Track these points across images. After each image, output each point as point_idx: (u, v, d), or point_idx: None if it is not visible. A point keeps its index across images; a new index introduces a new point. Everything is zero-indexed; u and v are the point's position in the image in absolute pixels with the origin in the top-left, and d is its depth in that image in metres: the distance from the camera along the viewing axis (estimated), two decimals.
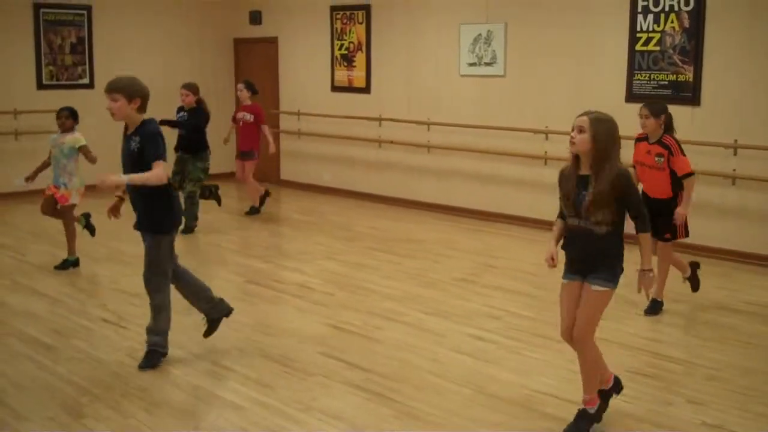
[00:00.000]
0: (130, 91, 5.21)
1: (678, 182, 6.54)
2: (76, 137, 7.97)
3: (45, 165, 8.24)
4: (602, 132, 4.28)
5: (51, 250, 8.79)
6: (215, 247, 9.28)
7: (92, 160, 8.00)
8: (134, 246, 8.83)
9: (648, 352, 5.85)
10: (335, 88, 12.59)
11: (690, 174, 6.52)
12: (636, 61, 9.09)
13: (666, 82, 8.86)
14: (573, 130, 4.34)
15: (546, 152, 9.96)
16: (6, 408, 4.84)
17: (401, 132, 11.66)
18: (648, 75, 9.00)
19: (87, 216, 8.45)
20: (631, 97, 9.11)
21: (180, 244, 9.21)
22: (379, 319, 6.61)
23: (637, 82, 9.09)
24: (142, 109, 5.28)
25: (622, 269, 4.49)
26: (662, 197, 6.58)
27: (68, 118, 7.99)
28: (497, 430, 4.62)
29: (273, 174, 13.80)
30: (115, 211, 5.85)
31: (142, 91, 5.27)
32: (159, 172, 5.17)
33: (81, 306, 6.92)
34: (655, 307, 6.74)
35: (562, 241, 4.57)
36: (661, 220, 6.51)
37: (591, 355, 4.48)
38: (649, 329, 6.39)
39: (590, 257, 4.40)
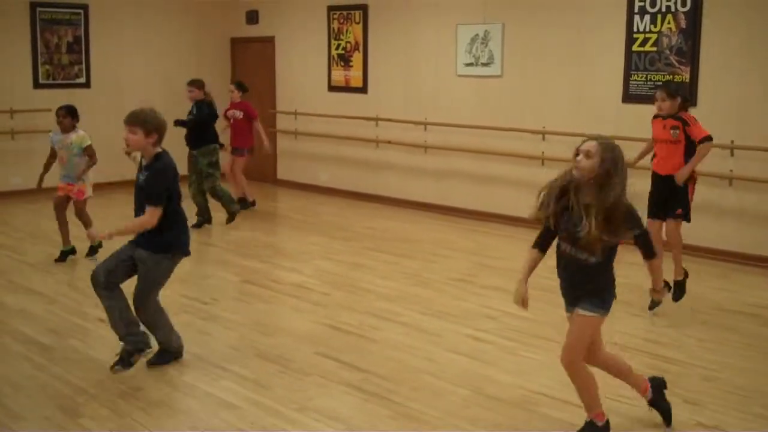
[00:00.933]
0: (149, 126, 5.25)
1: (690, 157, 6.60)
2: (82, 136, 8.06)
3: (49, 164, 8.28)
4: (610, 160, 4.07)
5: (48, 249, 8.77)
6: (212, 246, 9.28)
7: (93, 161, 8.07)
8: None
9: (645, 353, 5.85)
10: (332, 88, 12.58)
11: (708, 138, 6.55)
12: (633, 62, 9.10)
13: (662, 83, 8.85)
14: (579, 154, 4.14)
15: (543, 153, 9.96)
16: (2, 408, 4.84)
17: (398, 132, 11.66)
18: (645, 75, 9.00)
19: (98, 246, 8.41)
20: (627, 97, 9.13)
21: None
22: (376, 319, 6.60)
23: (634, 82, 9.10)
24: (157, 143, 5.32)
25: (615, 296, 4.39)
26: (674, 173, 6.65)
27: (65, 116, 8.03)
28: (494, 430, 4.62)
29: (270, 174, 13.80)
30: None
31: (161, 126, 5.33)
32: (145, 220, 5.23)
33: (77, 306, 6.91)
34: (680, 291, 6.83)
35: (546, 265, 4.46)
36: (673, 196, 6.67)
37: (581, 378, 4.37)
38: (646, 330, 6.39)
39: (580, 284, 4.29)
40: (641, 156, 7.15)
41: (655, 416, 4.75)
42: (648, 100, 8.82)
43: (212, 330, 6.26)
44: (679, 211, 6.72)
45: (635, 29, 9.04)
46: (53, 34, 12.27)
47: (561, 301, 4.50)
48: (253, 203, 11.42)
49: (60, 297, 7.15)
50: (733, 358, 5.80)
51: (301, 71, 13.07)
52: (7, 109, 11.86)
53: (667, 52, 8.81)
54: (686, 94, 6.82)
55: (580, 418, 4.70)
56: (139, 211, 5.39)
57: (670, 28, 8.76)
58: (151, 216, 5.23)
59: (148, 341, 5.53)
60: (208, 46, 13.95)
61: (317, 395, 5.07)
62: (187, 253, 5.50)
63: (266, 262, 8.52)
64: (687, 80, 8.68)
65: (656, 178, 6.85)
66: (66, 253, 8.36)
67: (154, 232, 5.29)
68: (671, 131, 6.64)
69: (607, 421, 4.48)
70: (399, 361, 5.67)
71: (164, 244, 5.34)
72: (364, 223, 10.61)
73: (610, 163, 4.07)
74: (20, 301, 7.01)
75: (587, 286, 4.27)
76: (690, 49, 8.63)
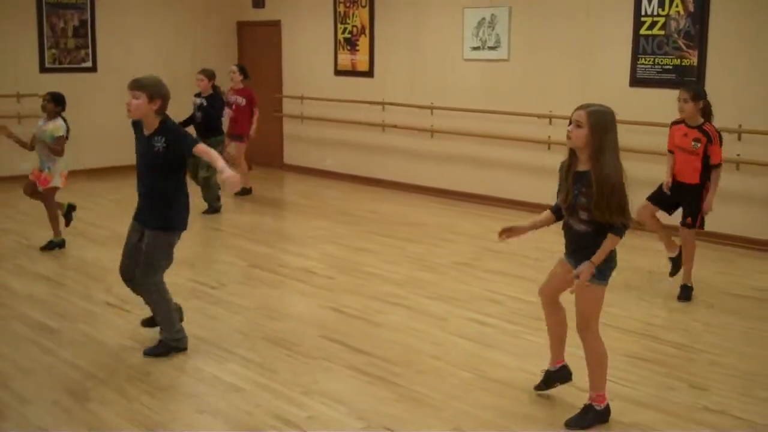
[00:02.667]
0: (153, 91, 5.19)
1: (707, 171, 6.59)
2: (57, 126, 7.97)
3: (22, 144, 8.19)
4: (600, 126, 4.16)
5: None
6: (218, 231, 9.29)
7: (57, 153, 7.97)
8: None
9: (650, 337, 5.86)
10: (338, 72, 12.56)
11: (720, 164, 6.60)
12: (640, 46, 9.06)
13: (670, 67, 8.82)
14: (570, 124, 4.25)
15: (549, 137, 9.94)
16: (10, 392, 4.87)
17: (404, 116, 11.64)
18: (652, 59, 8.97)
19: (71, 207, 8.48)
20: (635, 81, 9.09)
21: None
22: (381, 303, 6.62)
23: (641, 66, 9.06)
24: (160, 111, 5.26)
25: (615, 264, 4.42)
26: (691, 182, 6.66)
27: (49, 102, 8.01)
28: (498, 413, 4.64)
29: (276, 158, 13.80)
30: None
31: (165, 93, 5.27)
32: (201, 147, 5.21)
33: (85, 290, 6.94)
34: (686, 293, 6.76)
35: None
36: (687, 204, 6.70)
37: (593, 349, 4.44)
38: (651, 314, 6.39)
39: (581, 252, 4.35)
40: (671, 173, 6.84)
41: (652, 397, 4.77)
42: (655, 84, 8.84)
43: (219, 314, 6.28)
44: (689, 220, 6.70)
45: (643, 12, 8.99)
46: (59, 18, 12.26)
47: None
48: (250, 191, 11.35)
49: (67, 281, 7.18)
50: (738, 342, 5.81)
51: (307, 55, 13.04)
52: (13, 93, 11.86)
53: (675, 35, 8.77)
54: (709, 107, 6.66)
55: (583, 401, 4.72)
56: (141, 176, 5.35)
57: (678, 12, 8.72)
58: (200, 149, 5.19)
59: (183, 342, 5.51)
60: (214, 30, 13.93)
61: (323, 378, 5.09)
62: (184, 228, 5.46)
63: (273, 246, 8.53)
64: (695, 64, 8.64)
65: (675, 182, 6.79)
66: (54, 244, 8.25)
67: (159, 208, 5.29)
68: (692, 142, 6.57)
69: (607, 406, 4.50)
70: (403, 344, 5.69)
71: (165, 222, 5.33)
72: (370, 207, 10.62)
73: (601, 129, 4.15)
74: (28, 285, 7.04)
75: (586, 253, 4.30)
76: (698, 33, 8.59)
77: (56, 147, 7.96)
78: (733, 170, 8.50)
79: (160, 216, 5.32)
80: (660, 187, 6.89)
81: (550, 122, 9.95)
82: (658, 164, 8.77)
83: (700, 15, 8.55)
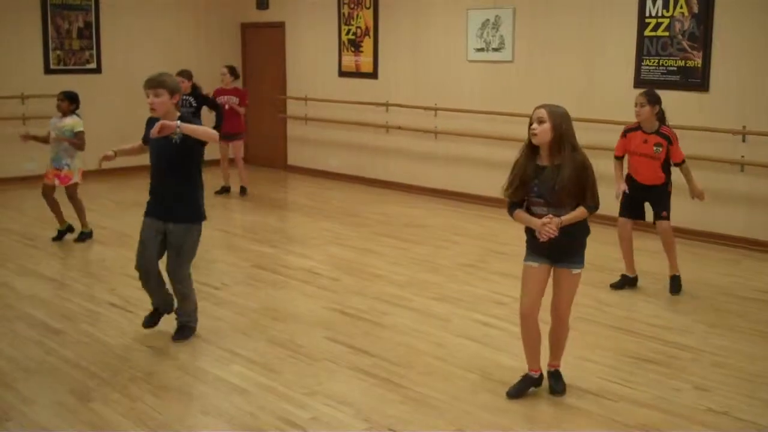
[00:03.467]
0: (173, 86, 5.37)
1: (667, 167, 6.80)
2: (76, 121, 8.19)
3: (40, 139, 8.46)
4: (560, 120, 4.52)
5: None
6: (221, 232, 9.29)
7: (79, 147, 8.22)
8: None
9: (655, 339, 5.84)
10: (342, 74, 12.56)
11: (684, 161, 6.83)
12: (645, 47, 9.05)
13: (675, 68, 8.81)
14: (532, 123, 4.57)
15: None
16: (14, 392, 4.87)
17: (408, 117, 11.64)
18: (657, 61, 8.96)
19: (70, 228, 8.65)
20: (639, 83, 9.07)
21: None
22: (386, 304, 6.61)
23: (646, 67, 9.05)
24: (177, 105, 5.44)
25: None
26: (656, 183, 6.83)
27: (63, 100, 8.21)
28: (502, 415, 4.63)
29: (280, 159, 13.81)
30: (108, 158, 5.93)
31: (179, 88, 5.49)
32: (214, 134, 5.32)
33: (88, 290, 6.94)
34: (676, 283, 6.91)
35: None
36: (653, 202, 6.89)
37: (565, 330, 4.89)
38: (656, 316, 6.38)
39: (563, 243, 4.58)
40: (618, 180, 6.97)
41: (657, 399, 4.76)
42: (660, 85, 8.80)
43: (222, 315, 6.28)
44: (665, 213, 6.83)
45: (647, 14, 8.98)
46: (64, 19, 12.28)
47: None
48: (229, 189, 11.40)
49: (70, 281, 7.18)
50: (742, 343, 5.79)
51: (311, 57, 13.05)
52: (18, 95, 11.88)
53: (680, 36, 8.76)
54: (663, 111, 6.82)
55: (590, 402, 4.73)
56: (161, 172, 5.49)
57: (683, 13, 8.71)
58: (215, 135, 5.33)
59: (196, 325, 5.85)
60: (218, 32, 13.94)
61: (327, 380, 5.09)
62: (205, 218, 5.65)
63: (276, 247, 8.53)
64: (699, 65, 8.63)
65: (634, 184, 6.92)
66: (62, 233, 8.59)
67: (185, 202, 5.46)
68: (654, 148, 6.71)
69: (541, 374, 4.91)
70: (408, 346, 5.69)
71: (193, 214, 5.51)
72: (374, 208, 10.61)
73: (561, 122, 4.52)
74: (31, 285, 7.04)
75: (569, 241, 4.61)
76: (702, 34, 8.58)
77: (78, 141, 8.17)
78: (737, 172, 8.50)
79: (187, 209, 5.49)
80: (623, 200, 6.96)
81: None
82: None
83: (704, 16, 8.54)
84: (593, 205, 4.57)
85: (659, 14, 8.89)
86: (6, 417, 4.55)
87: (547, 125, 4.52)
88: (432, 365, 5.34)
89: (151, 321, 5.86)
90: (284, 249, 8.48)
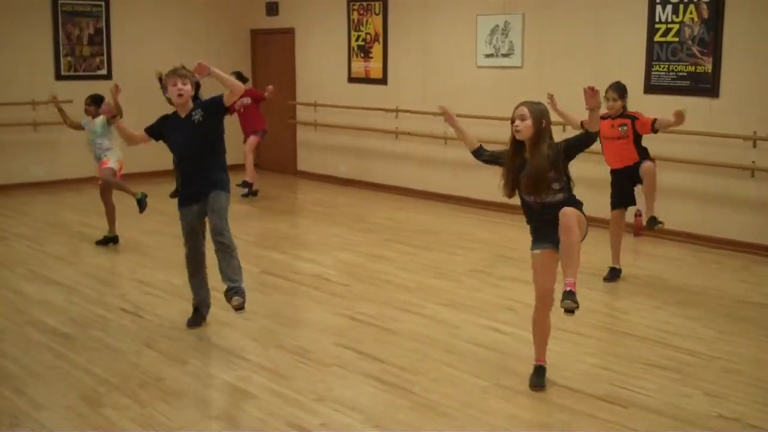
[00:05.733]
0: (195, 79, 5.90)
1: (642, 150, 7.12)
2: (103, 118, 8.36)
3: (71, 123, 8.92)
4: (539, 116, 4.86)
5: (68, 239, 8.87)
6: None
7: (119, 112, 8.14)
8: (152, 237, 8.92)
9: (665, 345, 5.82)
10: (352, 80, 12.58)
11: (655, 120, 7.04)
12: (655, 53, 9.03)
13: (685, 74, 8.80)
14: (515, 120, 4.89)
15: None
16: (24, 397, 4.88)
17: (418, 123, 11.64)
18: (667, 66, 8.94)
19: (144, 195, 8.70)
20: (649, 88, 9.05)
21: None
22: (395, 310, 6.61)
23: (656, 73, 9.04)
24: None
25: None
26: (629, 164, 7.13)
27: (90, 105, 8.54)
28: (513, 422, 4.62)
29: (290, 165, 13.83)
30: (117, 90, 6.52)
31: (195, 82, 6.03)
32: (239, 86, 5.78)
33: (98, 296, 6.96)
34: (652, 222, 7.11)
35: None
36: (631, 183, 7.20)
37: (578, 253, 4.82)
38: (666, 322, 6.36)
39: (554, 226, 4.80)
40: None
41: (667, 405, 4.74)
42: (670, 91, 8.81)
43: (232, 321, 6.28)
44: (649, 157, 7.16)
45: (657, 19, 8.97)
46: (75, 26, 12.34)
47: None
48: (252, 188, 11.46)
49: (80, 287, 7.20)
50: (753, 350, 5.77)
51: (320, 63, 13.07)
52: (29, 101, 11.93)
53: (690, 42, 8.74)
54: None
55: (601, 409, 4.71)
56: (188, 158, 5.88)
57: (693, 19, 8.69)
58: (240, 87, 5.80)
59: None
60: (227, 38, 13.98)
61: (337, 386, 5.09)
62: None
63: (286, 253, 8.54)
64: (709, 71, 8.61)
65: (615, 173, 7.30)
66: (108, 239, 8.64)
67: (218, 175, 5.85)
68: (620, 128, 7.09)
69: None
70: (418, 351, 5.68)
71: (226, 183, 5.92)
72: (384, 214, 10.61)
73: (541, 117, 4.86)
74: (41, 291, 7.07)
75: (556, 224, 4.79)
76: (712, 40, 8.56)
77: (117, 118, 8.28)
78: (747, 177, 8.46)
79: (220, 181, 5.85)
80: (612, 192, 7.32)
81: (564, 129, 9.91)
82: (672, 171, 8.76)
83: (714, 22, 8.52)
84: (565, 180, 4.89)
85: (669, 20, 8.87)
86: (16, 422, 4.56)
87: (528, 122, 4.83)
88: (442, 371, 5.33)
89: (194, 322, 6.12)
90: (294, 255, 8.49)
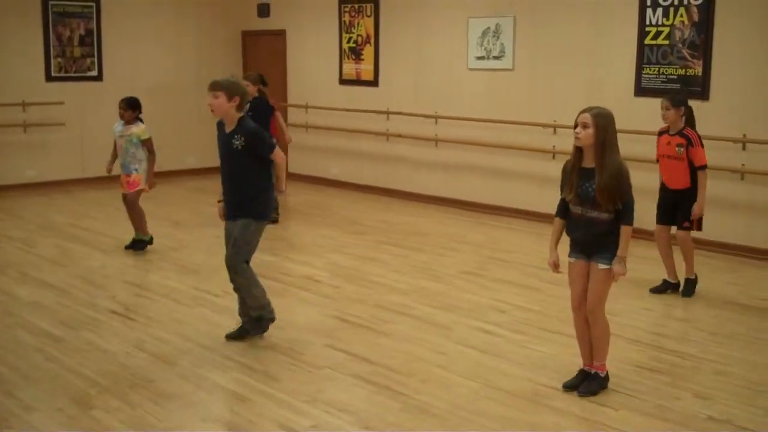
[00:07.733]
0: (231, 89, 5.55)
1: (695, 175, 6.90)
2: (141, 129, 8.25)
3: (114, 155, 8.48)
4: (604, 126, 4.68)
5: (59, 242, 8.83)
6: (222, 239, 9.27)
7: (152, 155, 8.31)
8: None
9: (655, 347, 5.84)
10: (343, 82, 12.58)
11: (704, 166, 6.86)
12: (645, 55, 9.06)
13: (675, 77, 8.83)
14: (576, 126, 4.73)
15: (554, 146, 9.94)
16: (14, 399, 4.87)
17: (409, 125, 11.65)
18: (657, 69, 8.97)
19: (150, 240, 8.59)
20: (640, 91, 9.09)
21: (188, 236, 9.27)
22: (386, 312, 6.61)
23: (646, 76, 9.06)
24: (239, 108, 5.61)
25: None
26: (681, 187, 6.95)
27: (126, 109, 8.25)
28: (504, 423, 4.62)
29: None
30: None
31: (242, 91, 5.64)
32: (281, 155, 5.73)
33: (89, 298, 6.94)
34: (689, 288, 7.06)
35: (564, 231, 4.98)
36: (680, 209, 6.97)
37: (602, 326, 4.94)
38: (656, 324, 6.38)
39: (596, 240, 4.81)
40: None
41: (657, 407, 4.75)
42: (660, 93, 8.79)
43: (223, 322, 6.27)
44: (686, 224, 6.98)
45: (647, 22, 9.00)
46: (65, 27, 12.30)
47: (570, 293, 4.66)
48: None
49: (72, 289, 7.18)
50: (744, 352, 5.79)
51: (312, 65, 13.07)
52: (19, 102, 11.89)
53: (680, 45, 8.77)
54: (690, 113, 6.98)
55: (591, 411, 4.72)
56: (227, 176, 5.75)
57: (683, 22, 8.72)
58: (280, 156, 5.72)
59: (272, 312, 5.97)
60: (219, 40, 13.96)
61: (327, 387, 5.08)
62: (268, 219, 5.93)
63: (278, 255, 8.53)
64: (699, 74, 8.64)
65: (665, 190, 7.12)
66: (145, 243, 8.51)
67: (246, 200, 5.69)
68: (676, 148, 6.88)
69: (607, 373, 5.04)
70: (409, 353, 5.68)
71: (254, 211, 5.73)
72: (375, 216, 10.62)
73: (605, 127, 4.68)
74: (32, 293, 7.04)
75: (601, 240, 4.79)
76: (702, 43, 8.59)
77: (152, 150, 8.31)
78: (737, 180, 8.50)
79: (249, 208, 5.70)
80: (658, 206, 7.16)
81: (555, 131, 9.95)
82: None
83: (704, 25, 8.55)
84: (628, 214, 4.74)
85: (659, 23, 8.90)
86: (7, 424, 4.55)
87: (590, 130, 4.68)
88: (433, 373, 5.33)
89: (231, 334, 5.93)
90: (285, 257, 8.48)
